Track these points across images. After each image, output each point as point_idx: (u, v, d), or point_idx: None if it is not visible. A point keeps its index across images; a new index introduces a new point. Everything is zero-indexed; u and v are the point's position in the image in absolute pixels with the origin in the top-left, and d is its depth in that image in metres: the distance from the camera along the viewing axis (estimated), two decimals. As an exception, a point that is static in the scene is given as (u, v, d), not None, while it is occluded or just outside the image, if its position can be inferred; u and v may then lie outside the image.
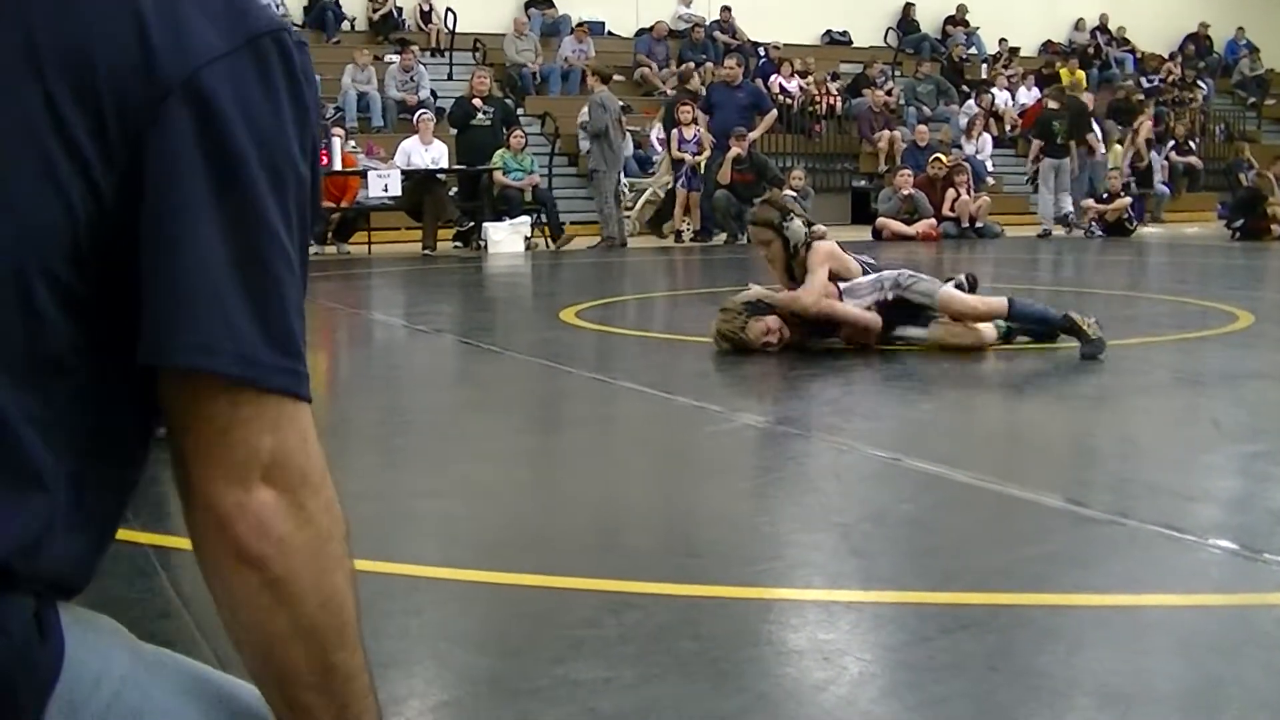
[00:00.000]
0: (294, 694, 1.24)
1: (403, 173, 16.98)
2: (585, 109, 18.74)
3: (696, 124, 19.99)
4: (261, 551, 1.18)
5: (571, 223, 18.78)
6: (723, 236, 18.94)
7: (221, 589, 1.21)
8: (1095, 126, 22.38)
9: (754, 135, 19.26)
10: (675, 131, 20.01)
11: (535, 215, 18.07)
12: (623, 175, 19.90)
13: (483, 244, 17.10)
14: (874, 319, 7.41)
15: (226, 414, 1.17)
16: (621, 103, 22.50)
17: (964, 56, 28.81)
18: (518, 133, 18.47)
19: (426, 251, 16.88)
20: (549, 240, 18.02)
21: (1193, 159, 26.10)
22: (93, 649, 1.22)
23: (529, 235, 17.46)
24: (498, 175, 17.74)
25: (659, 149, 21.07)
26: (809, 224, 7.75)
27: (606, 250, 17.76)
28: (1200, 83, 30.07)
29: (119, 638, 1.28)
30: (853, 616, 3.23)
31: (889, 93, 25.05)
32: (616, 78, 24.80)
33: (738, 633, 3.08)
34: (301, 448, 1.22)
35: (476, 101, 18.36)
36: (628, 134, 21.75)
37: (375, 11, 24.71)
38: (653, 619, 3.15)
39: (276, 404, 1.19)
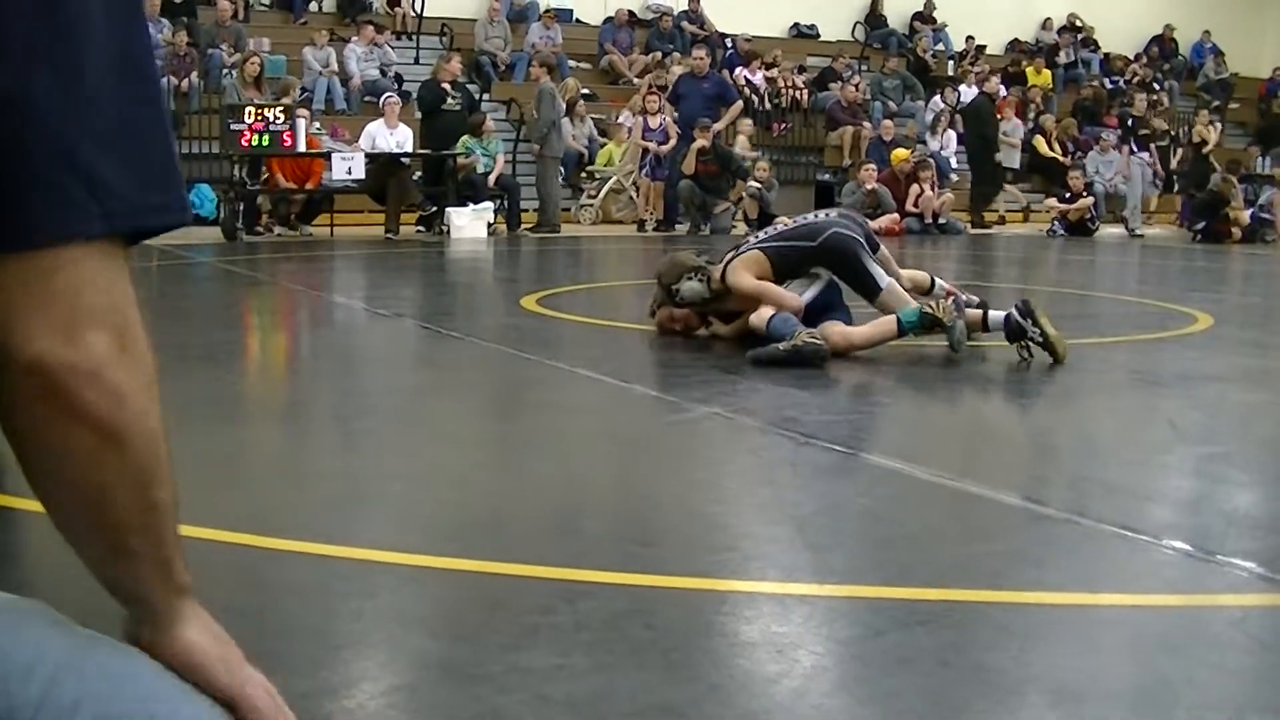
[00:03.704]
0: (120, 540, 1.22)
1: (367, 156, 16.92)
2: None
3: (663, 113, 20.05)
4: (96, 403, 1.14)
5: (534, 209, 18.83)
6: (685, 226, 18.97)
7: (46, 450, 1.16)
8: None
9: (719, 126, 19.26)
10: (641, 120, 20.09)
11: (499, 201, 18.07)
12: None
13: (445, 229, 17.06)
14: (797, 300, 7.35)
15: (47, 270, 1.11)
16: (585, 90, 22.57)
17: (931, 52, 28.89)
18: (488, 119, 18.51)
19: (389, 235, 16.83)
20: (510, 226, 18.02)
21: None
22: (22, 637, 1.19)
23: (492, 221, 17.42)
24: (462, 160, 17.71)
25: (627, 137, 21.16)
26: (700, 271, 7.65)
27: (548, 234, 17.92)
28: (1157, 84, 30.20)
29: (51, 624, 1.25)
30: (806, 609, 3.23)
31: (856, 87, 25.08)
32: (583, 65, 24.81)
33: (691, 623, 3.08)
34: (120, 290, 1.16)
35: (445, 86, 18.33)
36: (587, 120, 21.85)
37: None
38: (607, 607, 3.15)
39: (95, 250, 1.13)
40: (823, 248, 7.49)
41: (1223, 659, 2.95)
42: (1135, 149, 20.84)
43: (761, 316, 7.14)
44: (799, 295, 7.33)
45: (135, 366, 1.17)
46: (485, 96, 21.82)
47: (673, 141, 19.64)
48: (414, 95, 19.50)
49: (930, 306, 7.13)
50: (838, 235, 7.52)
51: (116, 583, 1.26)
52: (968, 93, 26.31)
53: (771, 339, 6.99)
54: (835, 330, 7.15)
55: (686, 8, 27.08)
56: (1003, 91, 24.95)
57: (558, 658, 2.82)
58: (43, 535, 1.24)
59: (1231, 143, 29.15)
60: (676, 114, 19.61)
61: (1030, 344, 7.07)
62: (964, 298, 7.32)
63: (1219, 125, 23.98)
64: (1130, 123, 21.45)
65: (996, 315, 7.26)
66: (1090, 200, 21.51)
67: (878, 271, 7.48)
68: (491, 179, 18.10)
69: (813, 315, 7.24)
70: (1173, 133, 26.51)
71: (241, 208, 16.51)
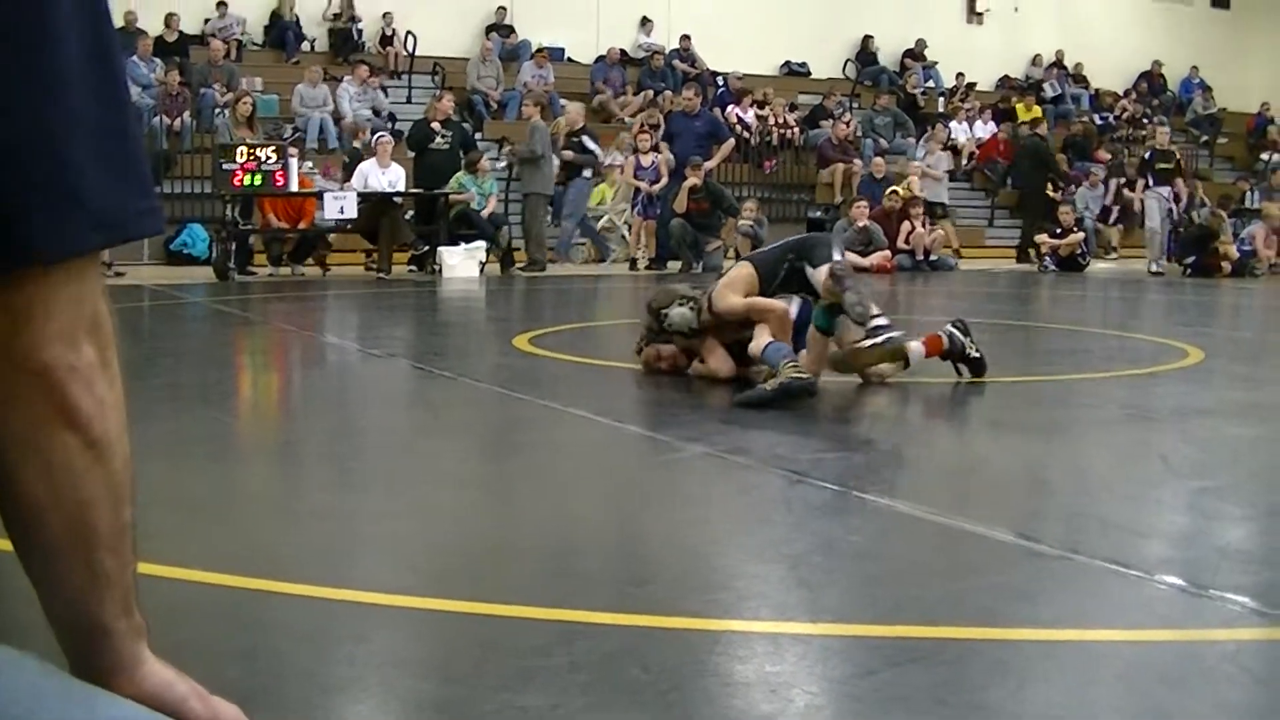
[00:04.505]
0: (95, 558, 1.23)
1: (359, 195, 16.94)
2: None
3: (656, 151, 20.09)
4: (89, 411, 1.17)
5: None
6: (678, 264, 18.99)
7: (35, 458, 1.18)
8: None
9: (710, 165, 19.33)
10: (634, 159, 20.13)
11: (500, 231, 18.12)
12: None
13: (437, 268, 17.07)
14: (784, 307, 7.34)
15: (57, 283, 1.14)
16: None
17: (921, 89, 28.99)
18: (485, 157, 18.57)
19: (381, 275, 16.83)
20: (502, 265, 18.02)
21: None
22: (17, 685, 1.19)
23: (484, 260, 17.43)
24: (456, 196, 17.75)
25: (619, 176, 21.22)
26: (691, 300, 7.69)
27: (535, 274, 17.92)
28: (1147, 119, 30.34)
29: (44, 673, 1.24)
30: (800, 648, 3.22)
31: (847, 124, 25.15)
32: (575, 104, 24.90)
33: (686, 663, 3.07)
34: (102, 302, 1.19)
35: (435, 125, 18.38)
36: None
37: (334, 19, 24.71)
38: (601, 648, 3.14)
39: (88, 261, 1.17)
40: (799, 235, 7.72)
41: (1217, 693, 2.95)
42: (1151, 183, 20.66)
43: (758, 345, 7.12)
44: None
45: (114, 382, 1.21)
46: (478, 135, 21.86)
47: (664, 180, 19.69)
48: (405, 134, 19.53)
49: (822, 295, 7.10)
50: (816, 231, 7.79)
51: (83, 616, 1.26)
52: (958, 129, 26.42)
53: (766, 364, 7.00)
54: None
55: (678, 46, 27.18)
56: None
57: (553, 699, 2.81)
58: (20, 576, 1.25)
59: (1220, 177, 29.29)
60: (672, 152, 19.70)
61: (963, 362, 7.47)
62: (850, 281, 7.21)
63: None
64: (1149, 156, 21.24)
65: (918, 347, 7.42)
66: (1080, 235, 21.59)
67: (838, 255, 7.40)
68: (485, 212, 18.12)
69: (794, 334, 7.24)
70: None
71: (234, 247, 16.51)
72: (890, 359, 6.94)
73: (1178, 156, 21.63)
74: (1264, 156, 30.14)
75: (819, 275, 7.15)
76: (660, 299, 7.74)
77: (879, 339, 6.89)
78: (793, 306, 7.39)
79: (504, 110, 24.21)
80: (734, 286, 7.50)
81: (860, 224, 20.13)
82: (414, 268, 17.96)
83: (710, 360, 7.60)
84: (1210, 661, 3.19)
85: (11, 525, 1.22)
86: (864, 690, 2.91)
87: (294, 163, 16.50)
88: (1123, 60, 32.63)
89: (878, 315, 6.97)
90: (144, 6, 21.67)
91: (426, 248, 17.66)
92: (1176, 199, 20.86)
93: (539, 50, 25.31)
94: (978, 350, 7.52)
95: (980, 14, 31.87)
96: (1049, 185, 23.30)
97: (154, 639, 1.32)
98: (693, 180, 18.55)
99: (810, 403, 6.82)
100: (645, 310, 7.81)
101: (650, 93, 25.39)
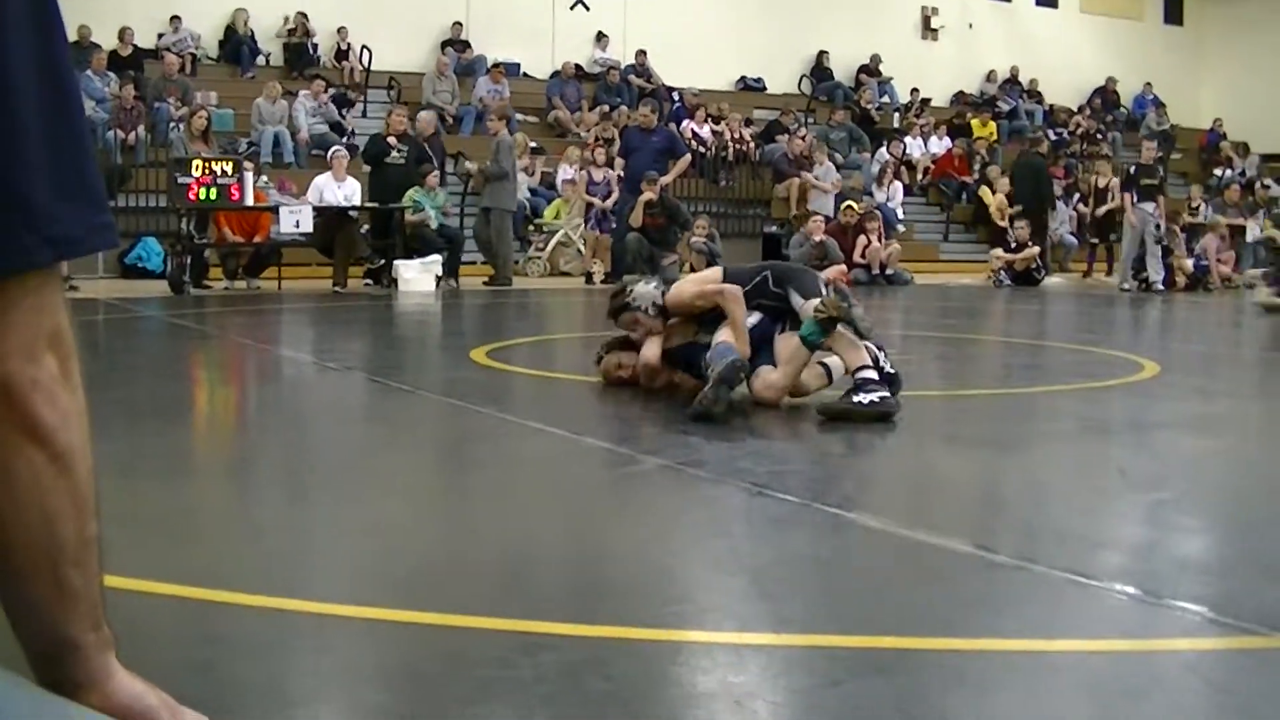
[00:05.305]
0: (62, 572, 1.23)
1: (315, 209, 16.88)
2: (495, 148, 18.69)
3: (609, 167, 20.10)
4: (52, 424, 1.17)
5: (483, 262, 18.84)
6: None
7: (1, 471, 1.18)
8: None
9: (666, 180, 19.32)
10: (586, 174, 20.14)
11: (447, 254, 18.06)
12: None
13: (393, 282, 17.02)
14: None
15: (13, 298, 1.14)
16: (534, 144, 22.63)
17: (876, 105, 29.10)
18: (433, 171, 18.48)
19: (337, 288, 16.78)
20: (456, 280, 17.97)
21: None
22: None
23: (440, 274, 17.38)
24: (411, 216, 17.68)
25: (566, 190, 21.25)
26: (652, 279, 7.83)
27: (501, 288, 17.87)
28: (1100, 135, 30.53)
29: (15, 688, 1.24)
30: (763, 659, 3.23)
31: (803, 139, 25.20)
32: (530, 119, 24.89)
33: (648, 675, 3.08)
34: (63, 315, 1.19)
35: (391, 139, 18.33)
36: (539, 174, 21.96)
37: (289, 34, 24.62)
38: (564, 659, 3.13)
39: (47, 275, 1.17)
40: (774, 261, 7.69)
41: (1176, 701, 2.97)
42: (1137, 199, 20.48)
43: (715, 342, 7.09)
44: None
45: (76, 394, 1.21)
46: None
47: (615, 194, 19.70)
48: (361, 149, 19.46)
49: (820, 308, 6.95)
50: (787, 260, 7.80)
51: (51, 630, 1.26)
52: (913, 144, 26.51)
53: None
54: (758, 383, 7.12)
55: (634, 61, 27.22)
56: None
57: (516, 710, 2.81)
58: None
59: (1174, 193, 29.47)
60: (625, 168, 19.69)
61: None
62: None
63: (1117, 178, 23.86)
64: (1134, 171, 21.03)
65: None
66: (1036, 250, 21.68)
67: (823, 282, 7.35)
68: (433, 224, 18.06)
69: (753, 347, 7.20)
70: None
71: (189, 261, 16.43)
72: (881, 419, 6.79)
73: (1161, 173, 21.61)
74: (1217, 172, 30.35)
75: (809, 307, 7.06)
76: (622, 283, 7.77)
77: (874, 396, 6.75)
78: (750, 319, 7.35)
79: (459, 125, 24.18)
80: (694, 280, 7.51)
81: (815, 239, 20.18)
82: (370, 282, 17.92)
83: (643, 348, 7.57)
84: (1169, 671, 3.21)
85: None
86: (827, 700, 2.91)
87: (249, 177, 16.44)
88: (1077, 76, 32.85)
89: (866, 366, 6.89)
90: (97, 21, 21.56)
91: (382, 261, 17.63)
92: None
93: (495, 66, 25.30)
94: (893, 367, 7.29)
95: (935, 30, 32.06)
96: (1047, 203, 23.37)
97: (116, 652, 1.32)
98: (648, 195, 18.56)
99: (768, 416, 6.83)
100: (609, 309, 7.78)
101: (606, 108, 25.43)
